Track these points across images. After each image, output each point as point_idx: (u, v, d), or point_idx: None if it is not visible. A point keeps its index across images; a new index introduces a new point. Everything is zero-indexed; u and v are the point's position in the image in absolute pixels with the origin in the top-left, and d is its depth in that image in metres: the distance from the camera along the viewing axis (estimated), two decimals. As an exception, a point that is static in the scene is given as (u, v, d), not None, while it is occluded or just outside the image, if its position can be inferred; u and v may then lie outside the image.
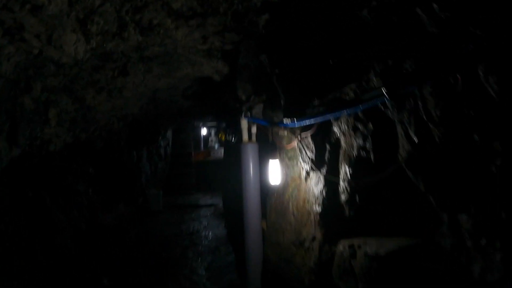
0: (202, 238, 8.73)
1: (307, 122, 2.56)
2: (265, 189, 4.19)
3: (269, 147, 4.29)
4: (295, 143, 3.34)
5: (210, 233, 9.05)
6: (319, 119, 2.53)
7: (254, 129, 4.06)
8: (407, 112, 2.25)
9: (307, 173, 3.35)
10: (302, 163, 3.30)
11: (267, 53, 2.95)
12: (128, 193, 9.99)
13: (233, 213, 9.13)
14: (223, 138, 15.60)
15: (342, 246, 2.90)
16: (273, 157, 3.23)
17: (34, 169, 4.97)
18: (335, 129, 2.94)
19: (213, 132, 16.36)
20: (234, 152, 8.77)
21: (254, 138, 4.05)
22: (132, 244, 8.17)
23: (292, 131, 3.37)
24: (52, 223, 5.22)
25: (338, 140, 2.97)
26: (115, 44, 3.71)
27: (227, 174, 10.37)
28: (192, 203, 12.14)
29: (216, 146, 15.87)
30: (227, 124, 10.03)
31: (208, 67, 4.87)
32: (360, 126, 2.70)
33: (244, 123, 3.97)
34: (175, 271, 6.73)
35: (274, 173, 3.28)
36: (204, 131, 16.35)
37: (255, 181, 4.01)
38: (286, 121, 2.81)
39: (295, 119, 2.70)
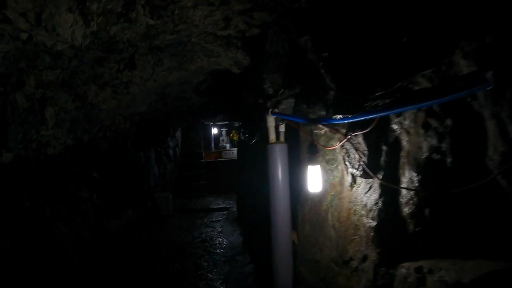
0: (216, 246, 8.15)
1: (368, 117, 1.96)
2: (295, 196, 3.60)
3: (296, 148, 3.70)
4: (337, 144, 2.75)
5: (225, 241, 8.47)
6: (384, 113, 1.94)
7: (282, 128, 3.47)
8: (508, 103, 1.67)
9: (353, 179, 2.76)
10: (348, 167, 2.71)
11: (310, 34, 2.36)
12: (136, 197, 9.46)
13: (249, 218, 8.57)
14: (235, 138, 15.04)
15: (405, 270, 2.33)
16: (313, 162, 2.63)
17: (31, 176, 4.43)
18: (395, 126, 2.34)
19: (224, 131, 15.78)
20: (250, 153, 8.20)
21: (282, 138, 3.46)
22: (141, 253, 7.62)
23: (334, 130, 2.78)
24: (52, 236, 4.68)
25: (397, 139, 2.37)
26: (120, 29, 3.13)
27: (242, 176, 9.81)
28: (203, 206, 11.57)
29: (228, 146, 15.31)
30: (242, 123, 9.44)
31: (225, 59, 4.30)
32: (433, 123, 2.10)
33: (271, 121, 3.39)
34: (188, 284, 6.17)
35: (315, 179, 2.69)
36: (215, 131, 15.79)
37: (284, 187, 3.42)
38: (336, 117, 2.22)
39: (348, 114, 2.10)
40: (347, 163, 2.63)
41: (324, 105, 2.58)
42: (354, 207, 2.74)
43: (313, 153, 2.64)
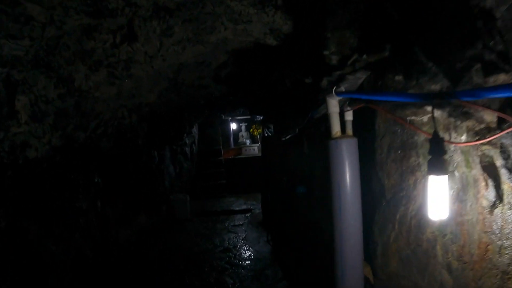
0: (242, 257, 7.07)
1: None
2: (366, 213, 2.48)
3: (367, 144, 2.57)
4: (475, 139, 1.61)
5: (251, 250, 7.39)
6: None
7: (349, 116, 2.35)
8: None
9: (498, 195, 1.63)
10: (501, 176, 1.58)
11: None
12: (150, 201, 8.44)
13: (278, 223, 7.48)
14: (255, 133, 13.95)
15: None
16: (437, 169, 1.49)
17: (8, 187, 3.39)
18: None
19: (243, 126, 14.68)
20: (280, 150, 7.13)
21: (350, 129, 2.35)
22: (155, 266, 6.59)
23: (454, 116, 1.65)
24: (38, 261, 3.65)
25: None
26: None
27: (268, 176, 8.73)
28: (224, 208, 10.51)
29: (248, 142, 14.20)
30: (268, 116, 8.35)
31: (258, 25, 3.17)
32: None
33: (333, 105, 2.26)
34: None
35: (439, 198, 1.55)
36: (233, 126, 14.70)
37: (355, 201, 2.32)
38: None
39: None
40: (502, 169, 1.50)
41: (447, 72, 1.44)
42: (498, 242, 1.61)
43: (436, 154, 1.50)
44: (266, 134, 11.69)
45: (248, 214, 9.97)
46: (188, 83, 5.10)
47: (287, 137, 5.48)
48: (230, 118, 14.31)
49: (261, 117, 10.83)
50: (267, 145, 9.38)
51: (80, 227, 4.67)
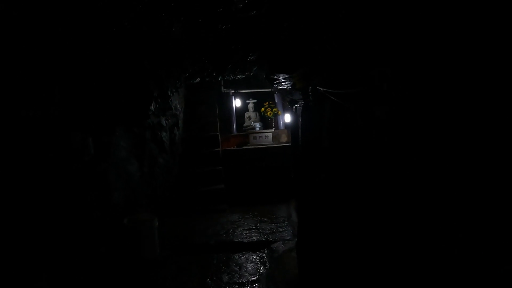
0: None
1: None
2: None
3: None
4: None
5: None
6: None
7: None
8: None
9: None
10: None
11: None
12: (65, 239, 4.03)
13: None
14: (269, 113, 9.48)
15: None
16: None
17: None
18: None
19: (251, 104, 10.17)
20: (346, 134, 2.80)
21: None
22: None
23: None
24: None
25: None
26: None
27: (311, 180, 4.38)
28: (221, 238, 6.07)
29: (258, 126, 9.73)
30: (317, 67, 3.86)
31: None
32: None
33: None
34: None
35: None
36: (237, 103, 10.17)
37: None
38: None
39: None
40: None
41: None
42: None
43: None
44: (306, 107, 7.28)
45: (264, 254, 5.56)
46: None
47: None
48: (232, 91, 9.83)
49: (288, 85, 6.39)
50: (305, 126, 5.02)
51: None
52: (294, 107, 7.60)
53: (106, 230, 4.89)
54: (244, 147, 8.93)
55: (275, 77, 5.93)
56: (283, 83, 6.57)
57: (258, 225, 6.59)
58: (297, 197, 7.12)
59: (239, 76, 7.43)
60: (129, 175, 5.94)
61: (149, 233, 5.39)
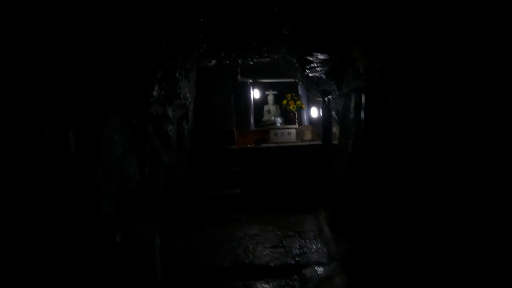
0: None
1: None
2: None
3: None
4: None
5: None
6: None
7: None
8: None
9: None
10: None
11: None
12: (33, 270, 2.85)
13: None
14: (292, 107, 8.26)
15: None
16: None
17: None
18: None
19: (271, 96, 8.93)
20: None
21: None
22: None
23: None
24: None
25: None
26: None
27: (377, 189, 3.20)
28: (238, 259, 4.82)
29: (279, 121, 8.49)
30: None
31: None
32: None
33: None
34: None
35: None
36: (256, 94, 8.93)
37: None
38: None
39: None
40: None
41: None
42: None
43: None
44: (326, 100, 6.12)
45: (295, 282, 4.35)
46: None
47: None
48: (250, 80, 8.60)
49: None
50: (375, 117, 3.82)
51: None
52: (326, 98, 6.37)
53: (92, 251, 3.71)
54: (264, 145, 7.70)
55: (312, 58, 4.69)
56: (318, 68, 5.33)
57: (284, 241, 5.37)
58: (329, 206, 5.91)
59: (262, 60, 6.20)
60: (126, 177, 4.76)
61: (147, 253, 4.20)
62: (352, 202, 4.54)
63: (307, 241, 5.35)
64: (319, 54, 4.50)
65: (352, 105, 4.73)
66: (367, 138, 3.92)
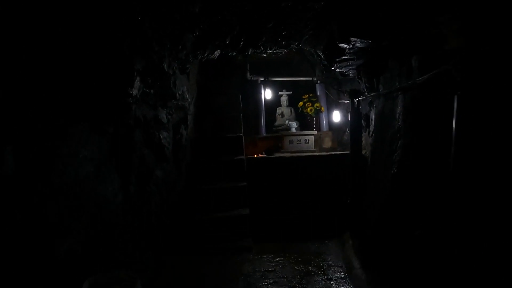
0: None
1: None
2: None
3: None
4: None
5: None
6: None
7: None
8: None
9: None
10: None
11: None
12: None
13: None
14: (309, 110, 7.11)
15: None
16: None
17: None
18: None
19: (285, 98, 7.77)
20: None
21: None
22: None
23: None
24: None
25: None
26: None
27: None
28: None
29: (294, 126, 7.32)
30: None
31: None
32: None
33: None
34: None
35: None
36: (267, 94, 7.75)
37: None
38: None
39: None
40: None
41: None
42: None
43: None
44: (356, 103, 5.02)
45: None
46: None
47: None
48: (261, 79, 7.45)
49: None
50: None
51: None
52: (356, 100, 5.21)
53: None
54: (277, 155, 6.54)
55: (348, 46, 3.53)
56: (349, 62, 4.18)
57: (303, 280, 4.21)
58: (359, 232, 4.76)
59: (277, 52, 5.05)
60: (101, 202, 3.65)
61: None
62: (398, 237, 3.37)
63: (333, 281, 4.19)
64: (357, 40, 3.34)
65: (399, 110, 3.57)
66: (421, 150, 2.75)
